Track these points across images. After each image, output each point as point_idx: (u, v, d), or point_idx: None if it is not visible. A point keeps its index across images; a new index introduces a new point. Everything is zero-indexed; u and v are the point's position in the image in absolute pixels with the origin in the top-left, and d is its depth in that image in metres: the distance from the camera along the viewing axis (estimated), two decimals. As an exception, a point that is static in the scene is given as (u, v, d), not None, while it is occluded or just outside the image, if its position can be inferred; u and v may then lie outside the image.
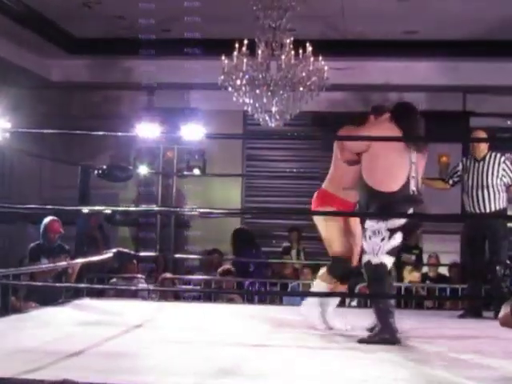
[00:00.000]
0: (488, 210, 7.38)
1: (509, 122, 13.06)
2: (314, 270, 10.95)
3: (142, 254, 10.16)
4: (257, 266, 10.62)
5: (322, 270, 6.07)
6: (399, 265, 10.80)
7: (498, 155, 7.52)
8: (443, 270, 10.51)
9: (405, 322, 6.02)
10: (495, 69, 11.43)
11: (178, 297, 8.94)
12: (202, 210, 10.33)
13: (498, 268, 7.45)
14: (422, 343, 5.47)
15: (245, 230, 11.88)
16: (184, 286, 9.22)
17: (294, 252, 11.65)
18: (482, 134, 7.64)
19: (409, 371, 4.34)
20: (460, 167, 7.65)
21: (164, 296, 8.54)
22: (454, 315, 7.42)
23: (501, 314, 6.36)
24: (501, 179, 7.46)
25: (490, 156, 7.50)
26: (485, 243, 7.49)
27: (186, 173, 11.71)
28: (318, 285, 6.02)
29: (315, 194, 6.12)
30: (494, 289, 7.47)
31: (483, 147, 7.53)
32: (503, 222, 7.64)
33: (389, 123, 5.64)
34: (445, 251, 10.33)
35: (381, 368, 4.38)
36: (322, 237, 6.02)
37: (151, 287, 8.80)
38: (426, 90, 11.98)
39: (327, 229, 5.93)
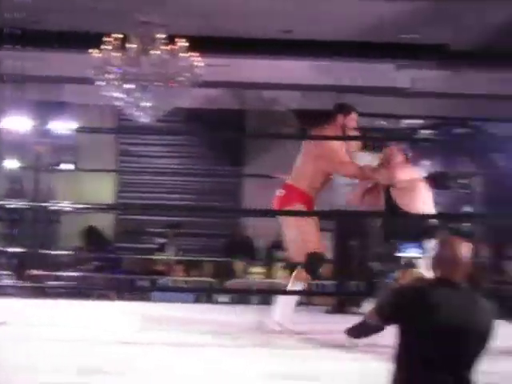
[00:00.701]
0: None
1: (382, 122, 13.38)
2: (188, 266, 10.95)
3: (8, 249, 9.87)
4: (110, 261, 10.56)
5: (298, 270, 5.97)
6: (271, 262, 10.92)
7: (367, 153, 7.68)
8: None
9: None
10: (368, 70, 11.65)
11: (46, 293, 8.71)
12: (70, 206, 10.09)
13: (369, 264, 7.61)
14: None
15: (93, 227, 11.78)
16: (51, 282, 9.01)
17: (169, 248, 11.59)
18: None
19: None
20: None
21: (30, 293, 8.30)
22: (322, 311, 7.52)
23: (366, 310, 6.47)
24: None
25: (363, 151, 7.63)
26: (356, 239, 7.64)
27: (56, 167, 11.45)
28: (295, 284, 5.95)
29: (282, 190, 6.08)
30: (365, 285, 7.60)
31: (354, 146, 7.63)
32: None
33: None
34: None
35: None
36: (292, 237, 5.95)
37: (16, 283, 8.55)
38: (300, 89, 12.11)
39: (303, 228, 5.88)
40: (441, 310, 3.68)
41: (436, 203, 11.88)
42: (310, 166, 6.06)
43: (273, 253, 11.48)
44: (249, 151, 12.74)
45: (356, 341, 4.89)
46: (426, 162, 13.09)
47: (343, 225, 7.62)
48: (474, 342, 3.63)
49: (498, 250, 12.46)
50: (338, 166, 6.07)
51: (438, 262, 3.84)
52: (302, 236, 5.93)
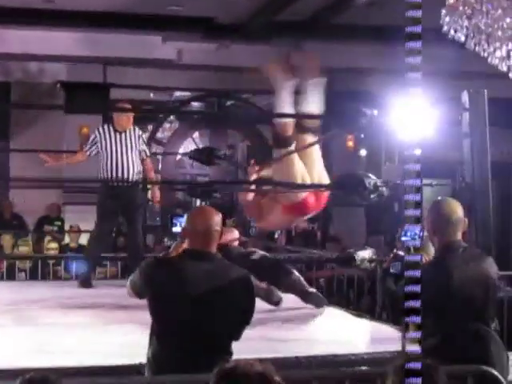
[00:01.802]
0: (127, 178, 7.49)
1: (152, 95, 13.37)
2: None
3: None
4: None
5: None
6: (41, 236, 10.69)
7: (137, 128, 7.69)
8: (83, 241, 10.51)
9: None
10: (135, 41, 11.58)
11: None
12: None
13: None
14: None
15: None
16: None
17: None
18: (124, 106, 7.70)
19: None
20: (97, 137, 7.64)
21: None
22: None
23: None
24: (138, 151, 7.62)
25: (131, 128, 7.62)
26: (120, 213, 7.64)
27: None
28: None
29: None
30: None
31: (125, 119, 7.59)
32: (139, 193, 7.85)
33: None
34: (86, 222, 10.29)
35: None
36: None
37: None
38: (66, 61, 11.85)
39: None
40: (187, 280, 3.70)
41: (204, 176, 12.09)
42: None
43: (42, 227, 11.28)
44: (15, 124, 12.32)
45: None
46: (195, 134, 13.31)
47: (107, 197, 7.55)
48: (224, 312, 3.65)
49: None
50: None
51: (188, 232, 3.88)
52: None
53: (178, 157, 12.73)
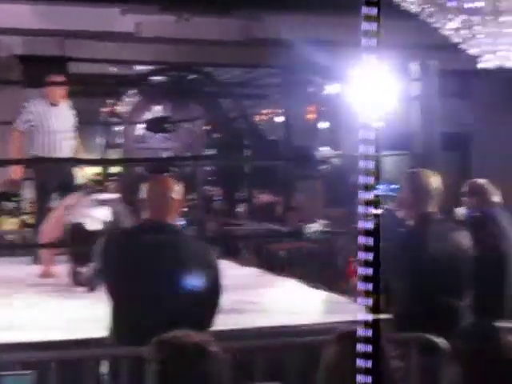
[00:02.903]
0: (61, 154, 7.29)
1: (111, 69, 13.24)
2: None
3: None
4: None
5: None
6: None
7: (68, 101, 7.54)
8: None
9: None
10: (93, 14, 11.43)
11: None
12: None
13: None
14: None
15: None
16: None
17: None
18: (59, 79, 7.60)
19: None
20: (30, 112, 7.44)
21: None
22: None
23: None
24: (71, 124, 7.51)
25: (64, 102, 7.49)
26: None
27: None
28: None
29: None
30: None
31: (59, 92, 7.44)
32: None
33: None
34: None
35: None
36: None
37: None
38: (22, 34, 11.66)
39: None
40: (142, 253, 3.63)
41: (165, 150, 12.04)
42: None
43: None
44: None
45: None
46: (157, 107, 13.23)
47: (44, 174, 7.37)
48: (183, 283, 3.55)
49: (229, 193, 12.88)
50: None
51: (145, 202, 3.81)
52: None
53: (139, 132, 12.67)
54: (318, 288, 5.76)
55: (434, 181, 4.03)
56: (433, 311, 3.81)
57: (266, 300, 5.17)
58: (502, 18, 5.38)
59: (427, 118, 5.10)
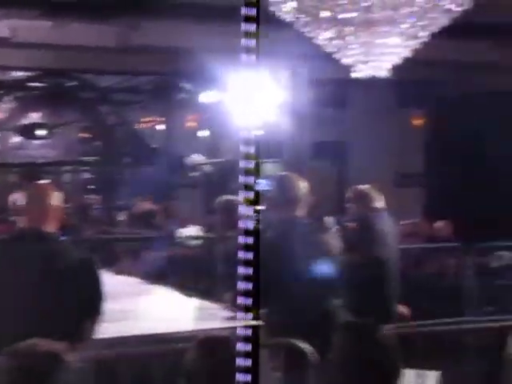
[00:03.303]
0: None
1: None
2: None
3: None
4: None
5: None
6: None
7: None
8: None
9: None
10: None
11: None
12: None
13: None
14: None
15: None
16: None
17: None
18: None
19: None
20: None
21: None
22: None
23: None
24: None
25: None
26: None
27: None
28: None
29: None
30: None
31: None
32: None
33: None
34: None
35: None
36: None
37: None
38: None
39: None
40: (18, 263, 3.47)
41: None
42: None
43: None
44: None
45: None
46: (34, 114, 12.98)
47: None
48: (62, 297, 3.45)
49: (108, 201, 12.76)
50: None
51: (23, 210, 3.69)
52: None
53: (18, 139, 12.41)
54: (192, 296, 5.76)
55: (301, 186, 4.10)
56: (303, 314, 3.86)
57: (139, 308, 5.15)
58: (374, 28, 5.53)
59: (298, 126, 5.21)
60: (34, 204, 3.64)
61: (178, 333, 4.07)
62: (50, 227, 3.61)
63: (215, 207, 4.37)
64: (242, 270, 1.89)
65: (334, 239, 4.18)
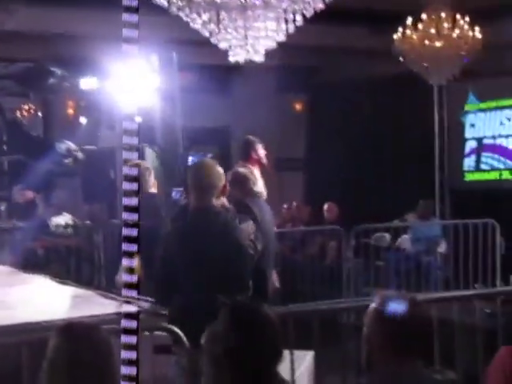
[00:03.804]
0: None
1: None
2: None
3: None
4: None
5: None
6: None
7: None
8: None
9: None
10: None
11: None
12: None
13: None
14: None
15: None
16: None
17: None
18: None
19: None
20: None
21: None
22: None
23: None
24: None
25: None
26: None
27: None
28: None
29: None
30: None
31: None
32: None
33: None
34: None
35: None
36: None
37: None
38: None
39: None
40: None
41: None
42: None
43: None
44: None
45: None
46: None
47: None
48: None
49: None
50: None
51: None
52: None
53: None
54: (68, 284, 5.67)
55: (210, 174, 4.10)
56: (200, 308, 3.85)
57: (12, 298, 5.05)
58: (249, 12, 5.54)
59: (169, 112, 5.16)
60: None
61: (51, 321, 4.00)
62: None
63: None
64: (126, 247, 1.88)
65: (242, 230, 4.16)
